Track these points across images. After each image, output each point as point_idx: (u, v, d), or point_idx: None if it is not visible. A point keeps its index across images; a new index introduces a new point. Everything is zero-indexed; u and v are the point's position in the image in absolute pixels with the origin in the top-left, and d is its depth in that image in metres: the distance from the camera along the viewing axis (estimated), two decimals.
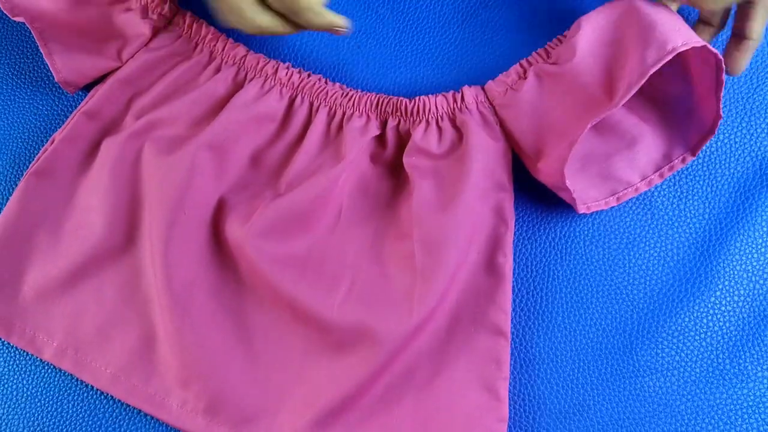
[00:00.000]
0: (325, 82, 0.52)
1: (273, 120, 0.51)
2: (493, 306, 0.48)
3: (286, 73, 0.51)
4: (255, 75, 0.51)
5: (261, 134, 0.51)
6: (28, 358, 0.50)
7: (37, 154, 0.53)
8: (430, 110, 0.50)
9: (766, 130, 0.52)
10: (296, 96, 0.51)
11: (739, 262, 0.50)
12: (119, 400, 0.49)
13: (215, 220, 0.49)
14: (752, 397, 0.48)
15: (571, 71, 0.45)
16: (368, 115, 0.51)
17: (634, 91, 0.43)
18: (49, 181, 0.50)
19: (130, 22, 0.51)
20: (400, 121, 0.50)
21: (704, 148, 0.51)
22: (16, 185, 0.51)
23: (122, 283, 0.49)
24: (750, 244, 0.50)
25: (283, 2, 0.45)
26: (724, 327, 0.49)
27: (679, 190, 0.52)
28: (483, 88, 0.50)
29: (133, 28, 0.51)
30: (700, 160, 0.52)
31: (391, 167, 0.51)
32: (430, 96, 0.50)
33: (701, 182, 0.51)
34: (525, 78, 0.48)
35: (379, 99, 0.51)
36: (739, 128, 0.52)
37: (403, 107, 0.50)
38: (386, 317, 0.46)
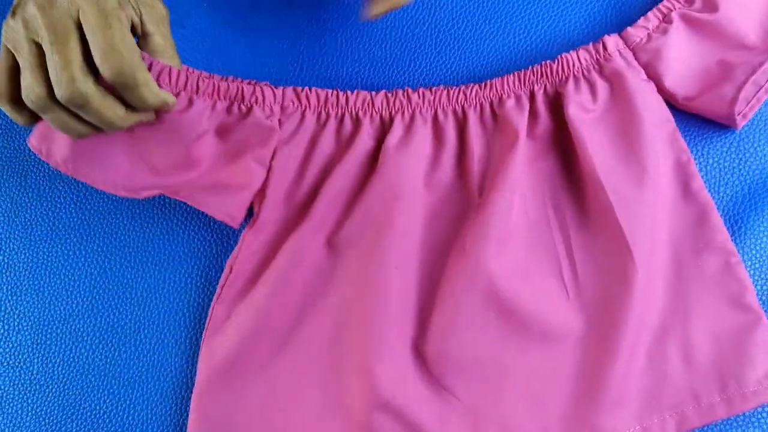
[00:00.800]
0: (418, 92, 0.51)
1: (428, 148, 0.50)
2: (707, 230, 0.49)
3: (385, 100, 0.51)
4: (366, 114, 0.51)
5: (426, 166, 0.50)
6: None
7: None
8: (574, 65, 0.50)
9: (754, 156, 0.53)
10: (415, 114, 0.50)
11: None
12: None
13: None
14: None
15: (725, 17, 0.49)
16: (514, 93, 0.51)
17: None
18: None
19: (255, 130, 0.50)
20: (545, 86, 0.51)
21: None
22: None
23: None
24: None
25: (118, 74, 0.42)
26: None
27: None
28: (621, 36, 0.51)
29: (259, 135, 0.50)
30: None
31: (552, 138, 0.51)
32: (571, 52, 0.51)
33: None
34: (670, 23, 0.50)
35: (519, 74, 0.51)
36: (728, 153, 0.53)
37: (547, 70, 0.50)
38: (617, 290, 0.48)
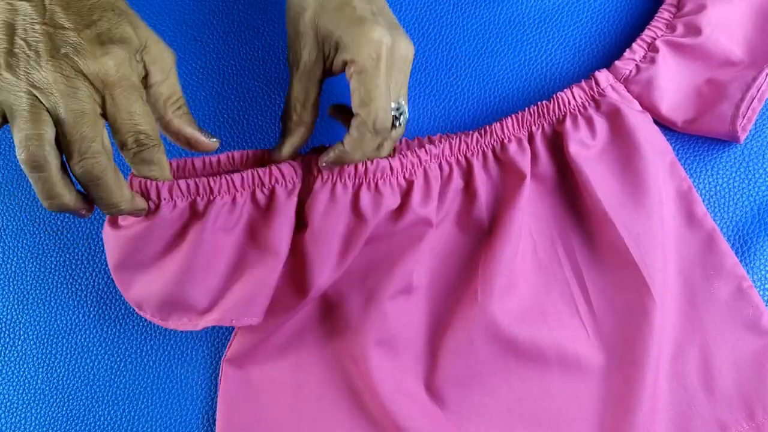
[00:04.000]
0: (425, 148, 0.50)
1: (436, 198, 0.50)
2: (716, 256, 0.49)
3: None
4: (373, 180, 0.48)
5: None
6: None
7: None
8: (570, 102, 0.50)
9: (763, 176, 0.53)
10: (427, 173, 0.49)
11: None
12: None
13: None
14: None
15: (709, 38, 0.50)
16: (515, 137, 0.51)
17: None
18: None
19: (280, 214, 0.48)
20: (543, 126, 0.51)
21: (702, 194, 0.52)
22: None
23: None
24: None
25: (89, 174, 0.41)
26: None
27: None
28: (609, 70, 0.51)
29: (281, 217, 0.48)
30: None
31: (555, 177, 0.51)
32: (565, 90, 0.51)
33: None
34: (656, 51, 0.51)
35: (516, 116, 0.51)
36: (737, 173, 0.53)
37: (544, 110, 0.51)
38: (636, 325, 0.48)
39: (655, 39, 0.51)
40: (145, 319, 0.52)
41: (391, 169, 0.48)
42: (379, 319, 0.48)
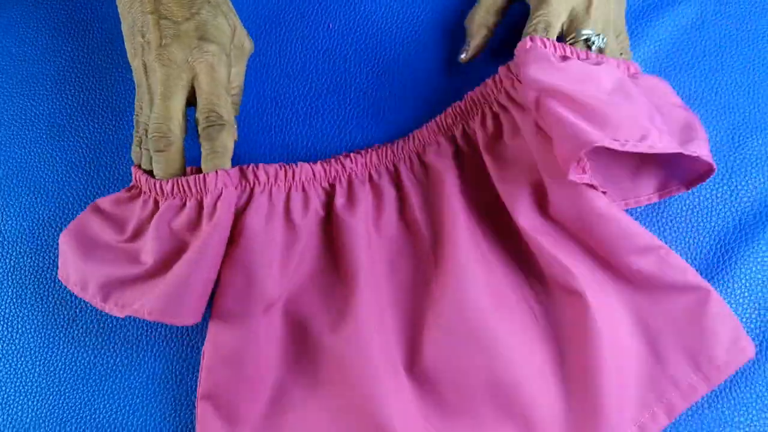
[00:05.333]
0: (350, 156, 0.53)
1: (370, 206, 0.52)
2: (626, 236, 0.49)
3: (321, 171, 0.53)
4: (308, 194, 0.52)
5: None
6: None
7: None
8: (479, 100, 0.52)
9: (745, 188, 0.55)
10: (352, 178, 0.53)
11: None
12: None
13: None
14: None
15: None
16: (436, 140, 0.53)
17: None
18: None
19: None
20: (462, 126, 0.53)
21: (685, 205, 0.54)
22: None
23: None
24: (729, 297, 0.53)
25: (214, 114, 0.49)
26: None
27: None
28: (508, 65, 0.51)
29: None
30: (682, 217, 0.54)
31: (482, 172, 0.52)
32: (476, 89, 0.52)
33: (683, 236, 0.54)
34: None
35: (437, 120, 0.53)
36: (720, 185, 0.55)
37: (458, 111, 0.53)
38: (575, 308, 0.49)
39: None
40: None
41: (314, 174, 0.52)
42: (352, 329, 0.49)
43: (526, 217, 0.50)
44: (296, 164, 0.52)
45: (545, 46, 0.50)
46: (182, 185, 0.49)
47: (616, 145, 0.45)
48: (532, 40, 0.49)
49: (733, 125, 0.56)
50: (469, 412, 0.49)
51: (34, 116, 0.59)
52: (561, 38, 0.53)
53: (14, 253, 0.56)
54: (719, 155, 0.55)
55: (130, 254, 0.51)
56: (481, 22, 0.56)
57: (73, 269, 0.51)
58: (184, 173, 0.50)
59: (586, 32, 0.51)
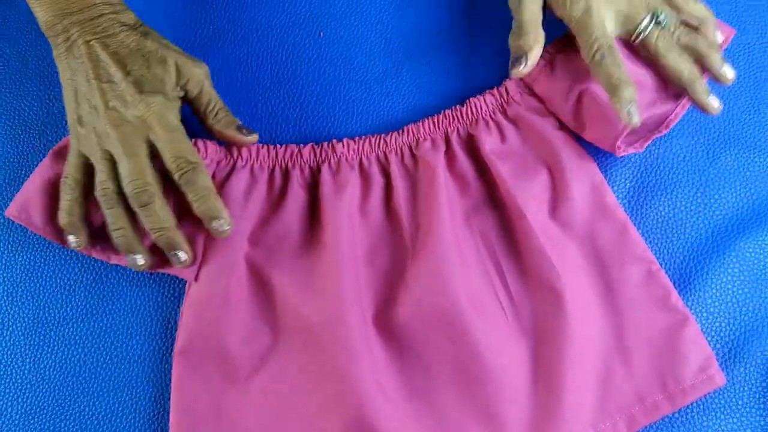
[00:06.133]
0: (343, 142, 0.55)
1: (357, 190, 0.54)
2: (628, 243, 0.53)
3: (314, 152, 0.55)
4: (296, 167, 0.55)
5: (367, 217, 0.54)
6: None
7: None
8: (482, 108, 0.55)
9: (719, 201, 0.57)
10: (341, 162, 0.55)
11: None
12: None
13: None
14: None
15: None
16: (430, 136, 0.55)
17: None
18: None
19: None
20: (458, 128, 0.55)
21: (661, 216, 0.56)
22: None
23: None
24: (701, 306, 0.55)
25: (186, 172, 0.51)
26: None
27: None
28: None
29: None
30: (658, 227, 0.56)
31: (472, 174, 0.55)
32: (478, 96, 0.55)
33: (658, 246, 0.56)
34: (553, 63, 0.55)
35: (433, 119, 0.55)
36: (695, 198, 0.57)
37: (458, 114, 0.55)
38: (551, 309, 0.51)
39: (556, 51, 0.55)
40: (135, 316, 0.55)
41: (301, 154, 0.55)
42: (331, 305, 0.51)
43: (536, 217, 0.52)
44: (282, 145, 0.55)
45: (551, 51, 0.54)
46: None
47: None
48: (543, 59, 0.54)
49: (708, 140, 0.58)
50: (433, 392, 0.52)
51: (27, 115, 0.60)
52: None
53: (6, 252, 0.57)
54: (695, 168, 0.57)
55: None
56: (536, 34, 0.54)
57: (40, 207, 0.53)
58: (174, 225, 0.52)
59: (644, 23, 0.52)
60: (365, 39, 0.61)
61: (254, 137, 0.55)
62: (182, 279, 0.55)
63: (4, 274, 0.56)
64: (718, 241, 0.56)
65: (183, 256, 0.51)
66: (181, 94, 0.53)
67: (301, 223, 0.54)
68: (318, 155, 0.55)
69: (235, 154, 0.55)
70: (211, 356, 0.52)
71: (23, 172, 0.58)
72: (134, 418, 0.54)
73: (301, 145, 0.55)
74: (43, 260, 0.57)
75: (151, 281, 0.56)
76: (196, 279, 0.53)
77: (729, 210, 0.57)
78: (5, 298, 0.56)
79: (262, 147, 0.55)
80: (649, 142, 0.54)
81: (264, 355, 0.52)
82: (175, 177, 0.51)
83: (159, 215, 0.50)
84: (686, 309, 0.52)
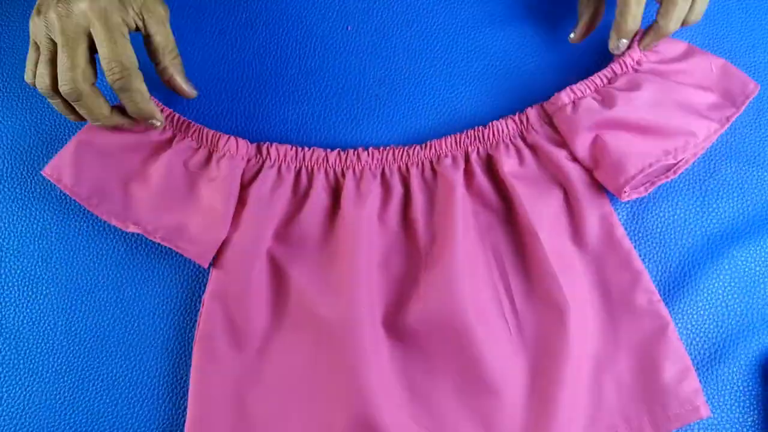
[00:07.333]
0: (368, 151, 0.58)
1: (378, 199, 0.57)
2: (631, 272, 0.56)
3: (338, 159, 0.58)
4: (318, 170, 0.57)
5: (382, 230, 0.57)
6: None
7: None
8: (503, 131, 0.58)
9: (716, 211, 0.60)
10: (365, 170, 0.57)
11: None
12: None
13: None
14: None
15: (624, 114, 0.55)
16: (451, 153, 0.58)
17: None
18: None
19: (224, 181, 0.56)
20: (478, 148, 0.58)
21: (659, 221, 0.59)
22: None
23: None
24: (691, 309, 0.58)
25: (119, 80, 0.52)
26: None
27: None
28: (542, 106, 0.58)
29: (225, 186, 0.56)
30: (655, 232, 0.59)
31: (489, 193, 0.58)
32: (500, 120, 0.58)
33: (654, 250, 0.59)
34: (578, 104, 0.56)
35: (455, 137, 0.58)
36: (693, 206, 0.60)
37: (480, 134, 0.58)
38: (554, 327, 0.54)
39: (581, 97, 0.57)
40: (162, 286, 0.59)
41: (327, 158, 0.57)
42: (344, 304, 0.54)
43: (548, 238, 0.55)
44: (309, 148, 0.58)
45: (576, 94, 0.57)
46: (200, 132, 0.57)
47: (669, 158, 0.55)
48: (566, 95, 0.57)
49: (709, 152, 0.61)
50: (433, 394, 0.55)
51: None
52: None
53: (41, 220, 0.60)
54: (695, 178, 0.60)
55: (141, 172, 0.57)
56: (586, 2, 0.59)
57: (71, 169, 0.56)
58: (115, 111, 0.55)
59: None
60: (391, 36, 0.63)
61: (195, 93, 0.59)
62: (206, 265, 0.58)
63: (40, 241, 0.60)
64: (713, 249, 0.59)
65: (156, 122, 0.56)
66: (139, 23, 0.54)
67: (322, 224, 0.57)
68: (343, 161, 0.58)
69: (264, 153, 0.58)
70: (229, 344, 0.55)
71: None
72: (157, 383, 0.58)
73: (328, 150, 0.58)
74: (77, 230, 0.60)
75: (180, 258, 0.59)
76: (214, 266, 0.56)
77: (725, 220, 0.60)
78: (40, 263, 0.59)
79: (291, 148, 0.58)
80: (655, 187, 0.57)
81: (278, 347, 0.56)
82: (108, 80, 0.52)
83: (91, 109, 0.53)
84: (682, 345, 0.55)
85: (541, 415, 0.54)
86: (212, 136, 0.57)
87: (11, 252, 0.60)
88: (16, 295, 0.59)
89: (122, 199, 0.56)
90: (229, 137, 0.57)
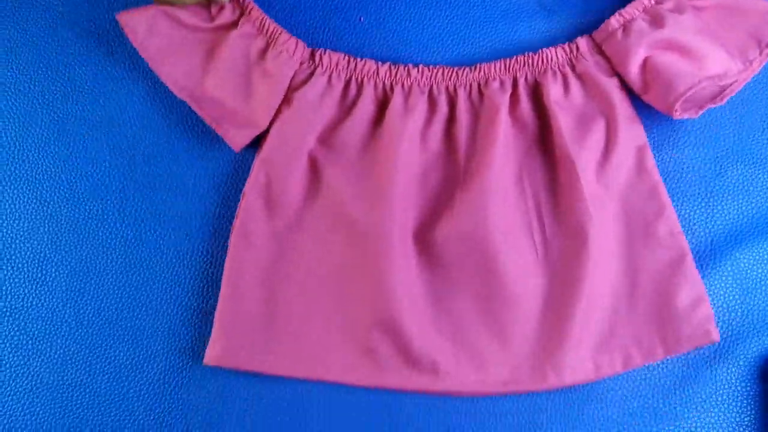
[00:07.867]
0: (418, 68, 0.59)
1: (423, 115, 0.58)
2: (657, 202, 0.58)
3: (390, 71, 0.59)
4: (370, 81, 0.59)
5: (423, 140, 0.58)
6: None
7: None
8: (552, 59, 0.59)
9: (721, 212, 0.60)
10: (413, 87, 0.59)
11: None
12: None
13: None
14: None
15: (672, 33, 0.56)
16: (499, 77, 0.59)
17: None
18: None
19: (275, 77, 0.57)
20: (527, 74, 0.59)
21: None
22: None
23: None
24: None
25: None
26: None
27: None
28: (592, 36, 0.59)
29: (275, 81, 0.58)
30: None
31: (531, 118, 0.59)
32: (550, 48, 0.59)
33: None
34: (630, 26, 0.58)
35: (505, 61, 0.59)
36: (699, 208, 0.60)
37: (529, 60, 0.59)
38: (578, 248, 0.56)
39: (630, 19, 0.58)
40: (170, 271, 0.59)
41: (378, 71, 0.59)
42: (379, 213, 0.56)
43: (583, 166, 0.56)
44: (361, 59, 0.59)
45: (625, 17, 0.58)
46: (263, 22, 0.59)
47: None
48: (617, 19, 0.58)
49: (717, 153, 0.61)
50: (455, 304, 0.57)
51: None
52: None
53: (51, 203, 0.60)
54: (702, 179, 0.61)
55: (209, 45, 0.58)
56: None
57: (146, 25, 0.58)
58: None
59: None
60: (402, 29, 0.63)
61: None
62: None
63: (48, 225, 0.60)
64: (717, 250, 0.60)
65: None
66: None
67: (366, 134, 0.58)
68: (393, 75, 0.59)
69: (317, 59, 0.59)
70: (264, 236, 0.57)
71: None
72: (164, 369, 0.58)
73: (380, 62, 0.59)
74: (86, 213, 0.60)
75: (189, 240, 0.60)
76: (257, 159, 0.58)
77: (730, 221, 0.60)
78: (49, 245, 0.60)
79: (344, 57, 0.59)
80: (704, 110, 0.58)
81: (309, 243, 0.58)
82: None
83: None
84: (698, 275, 0.56)
85: (554, 330, 0.56)
86: (274, 29, 0.59)
87: (20, 235, 0.60)
88: (25, 278, 0.59)
89: (185, 67, 0.58)
90: (289, 36, 0.59)
